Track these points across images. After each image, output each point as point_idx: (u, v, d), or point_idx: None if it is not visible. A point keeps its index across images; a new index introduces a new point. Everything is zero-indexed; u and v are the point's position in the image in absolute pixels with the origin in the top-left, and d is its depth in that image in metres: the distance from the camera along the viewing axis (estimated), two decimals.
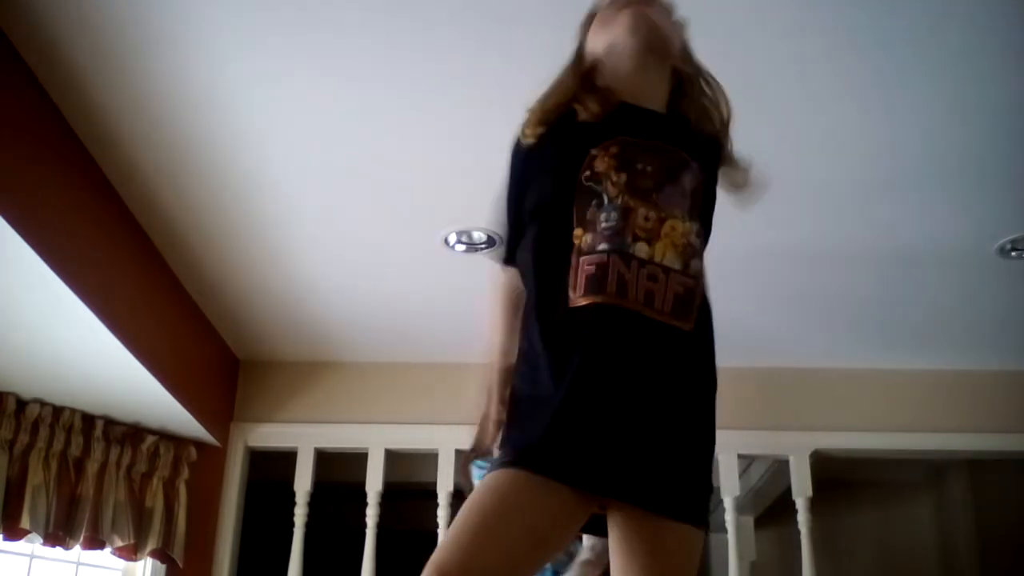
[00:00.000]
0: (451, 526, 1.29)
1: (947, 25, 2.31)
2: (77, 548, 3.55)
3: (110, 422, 3.71)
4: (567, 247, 1.40)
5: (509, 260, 1.58)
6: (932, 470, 5.08)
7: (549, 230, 1.44)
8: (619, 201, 1.39)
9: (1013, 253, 3.26)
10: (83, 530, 3.52)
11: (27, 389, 3.41)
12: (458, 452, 3.82)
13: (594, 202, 1.40)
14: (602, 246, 1.37)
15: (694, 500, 1.36)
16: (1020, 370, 4.15)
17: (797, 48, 2.39)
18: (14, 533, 3.33)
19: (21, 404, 3.41)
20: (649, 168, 1.42)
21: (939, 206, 3.05)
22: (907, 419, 4.14)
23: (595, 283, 1.35)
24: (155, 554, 3.78)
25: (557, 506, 1.30)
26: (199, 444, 4.02)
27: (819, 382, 4.17)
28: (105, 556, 3.71)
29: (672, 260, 1.37)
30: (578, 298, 1.36)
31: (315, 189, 3.04)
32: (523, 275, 1.51)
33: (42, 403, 3.47)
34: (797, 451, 4.10)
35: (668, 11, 1.62)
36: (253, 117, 2.70)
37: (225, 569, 4.05)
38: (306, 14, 2.32)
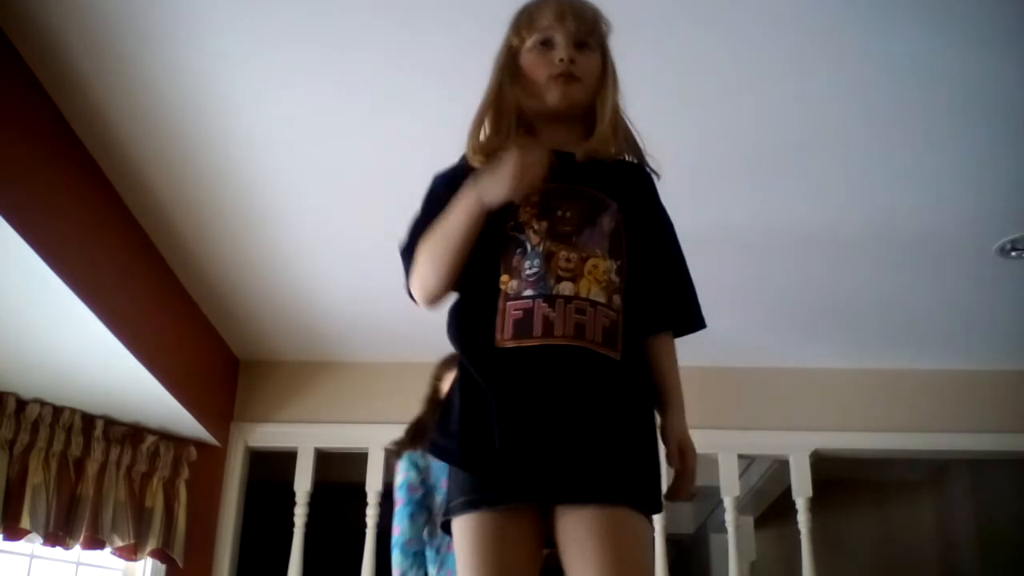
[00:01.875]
0: None
1: (948, 23, 2.31)
2: (77, 548, 3.55)
3: (110, 422, 3.71)
4: (494, 292, 1.46)
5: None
6: (932, 470, 5.08)
7: (475, 276, 1.49)
8: (541, 248, 1.46)
9: (1013, 253, 3.26)
10: (83, 530, 3.52)
11: (27, 389, 3.42)
12: None
13: (518, 250, 1.47)
14: (527, 292, 1.44)
15: (623, 486, 1.39)
16: (1020, 370, 4.15)
17: (793, 40, 2.39)
18: (14, 533, 3.33)
19: (21, 404, 3.41)
20: (568, 213, 1.48)
21: (939, 206, 3.05)
22: (907, 419, 4.14)
23: (522, 327, 1.42)
24: (155, 554, 3.78)
25: (506, 530, 1.40)
26: (199, 444, 4.02)
27: (819, 382, 4.17)
28: (105, 556, 3.71)
29: (597, 294, 1.44)
30: (506, 340, 1.43)
31: (315, 189, 3.05)
32: (448, 317, 1.55)
33: (42, 403, 3.47)
34: (797, 451, 4.10)
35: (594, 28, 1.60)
36: (253, 117, 2.70)
37: (225, 569, 4.05)
38: (307, 16, 2.32)
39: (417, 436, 2.66)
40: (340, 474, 4.29)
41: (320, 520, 4.33)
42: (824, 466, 4.17)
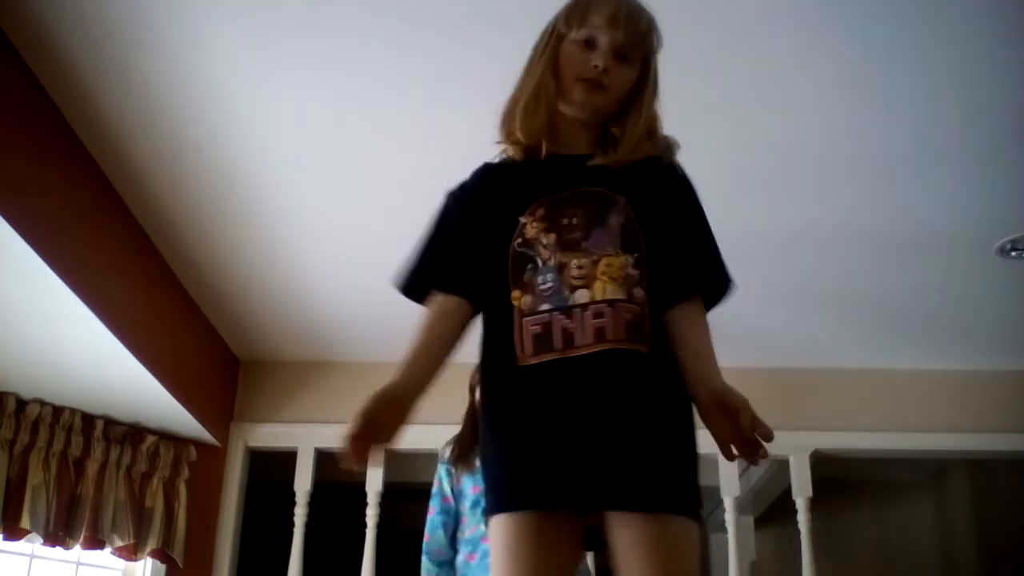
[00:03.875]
0: None
1: (950, 22, 2.31)
2: (77, 548, 3.55)
3: (110, 422, 3.71)
4: (508, 308, 1.45)
5: (444, 286, 1.54)
6: (932, 470, 5.08)
7: (489, 298, 1.49)
8: (552, 261, 1.45)
9: (1013, 253, 3.26)
10: (83, 530, 3.52)
11: (27, 389, 3.42)
12: None
13: (529, 266, 1.46)
14: (544, 306, 1.43)
15: (668, 492, 1.37)
16: (1020, 370, 4.15)
17: (797, 39, 2.39)
18: (14, 533, 3.33)
19: (21, 404, 3.41)
20: (575, 219, 1.47)
21: (939, 206, 3.05)
22: (907, 419, 4.14)
23: (542, 342, 1.41)
24: (155, 554, 3.78)
25: (541, 534, 1.38)
26: (199, 444, 4.03)
27: (819, 382, 4.17)
28: (105, 556, 3.71)
29: (615, 292, 1.41)
30: (527, 357, 1.41)
31: (315, 189, 3.05)
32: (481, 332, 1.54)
33: (42, 403, 3.47)
34: (797, 451, 4.10)
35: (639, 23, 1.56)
36: (253, 117, 2.70)
37: (225, 569, 4.05)
38: (307, 15, 2.32)
39: (462, 455, 2.66)
40: (340, 474, 4.28)
41: (320, 520, 4.33)
42: (824, 466, 4.17)
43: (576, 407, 1.38)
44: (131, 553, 3.70)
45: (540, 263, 1.45)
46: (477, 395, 2.59)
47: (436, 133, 2.77)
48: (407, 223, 3.31)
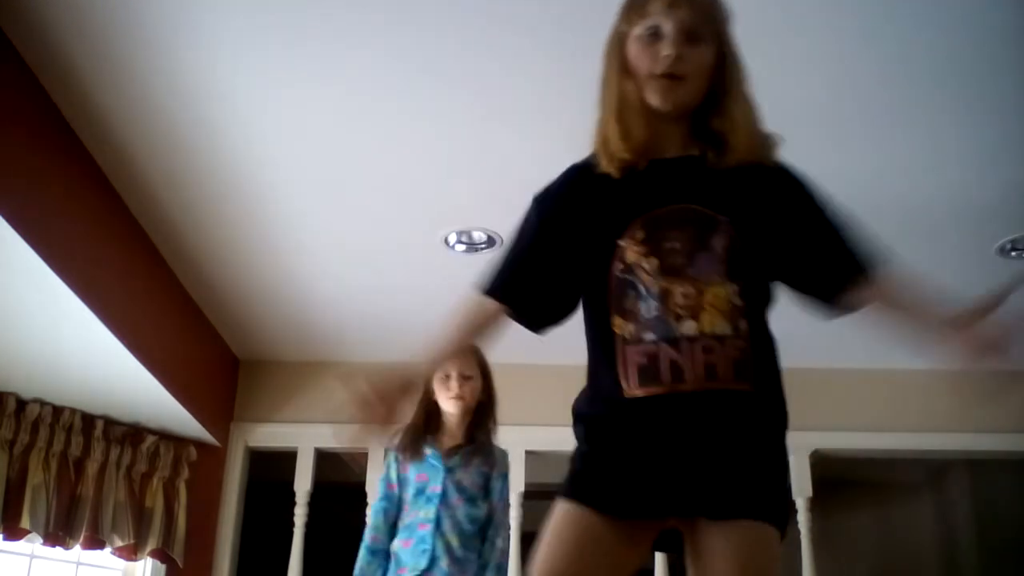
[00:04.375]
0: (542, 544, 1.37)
1: (951, 24, 2.31)
2: (77, 548, 3.55)
3: (110, 422, 3.71)
4: (609, 335, 1.40)
5: (493, 292, 1.51)
6: (932, 470, 5.08)
7: (591, 326, 1.45)
8: (655, 288, 1.38)
9: (1013, 253, 3.26)
10: (83, 530, 3.52)
11: (27, 389, 3.42)
12: None
13: (631, 293, 1.39)
14: (648, 336, 1.37)
15: (754, 499, 1.37)
16: (1020, 370, 4.13)
17: (793, 50, 2.39)
18: (14, 533, 3.33)
19: (21, 404, 3.41)
20: (678, 244, 1.39)
21: (939, 206, 3.05)
22: (907, 419, 4.14)
23: (649, 374, 1.36)
24: (155, 554, 3.78)
25: (605, 531, 1.37)
26: (199, 444, 4.03)
27: (819, 382, 4.17)
28: (105, 556, 3.71)
29: (723, 327, 1.36)
30: (633, 389, 1.37)
31: (315, 189, 3.04)
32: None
33: (42, 403, 3.47)
34: (797, 451, 4.10)
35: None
36: (254, 118, 2.70)
37: (225, 569, 4.05)
38: (307, 17, 2.32)
39: (409, 444, 2.68)
40: (340, 474, 4.29)
41: (320, 520, 4.33)
42: (824, 466, 4.17)
43: (680, 440, 1.35)
44: (131, 553, 3.70)
45: (643, 290, 1.38)
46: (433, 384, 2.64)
47: (439, 136, 2.77)
48: (408, 224, 3.33)
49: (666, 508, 1.37)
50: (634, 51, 1.43)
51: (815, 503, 4.09)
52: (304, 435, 4.20)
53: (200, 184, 3.00)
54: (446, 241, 3.30)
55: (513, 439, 4.06)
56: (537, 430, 3.45)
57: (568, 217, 1.48)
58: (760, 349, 1.42)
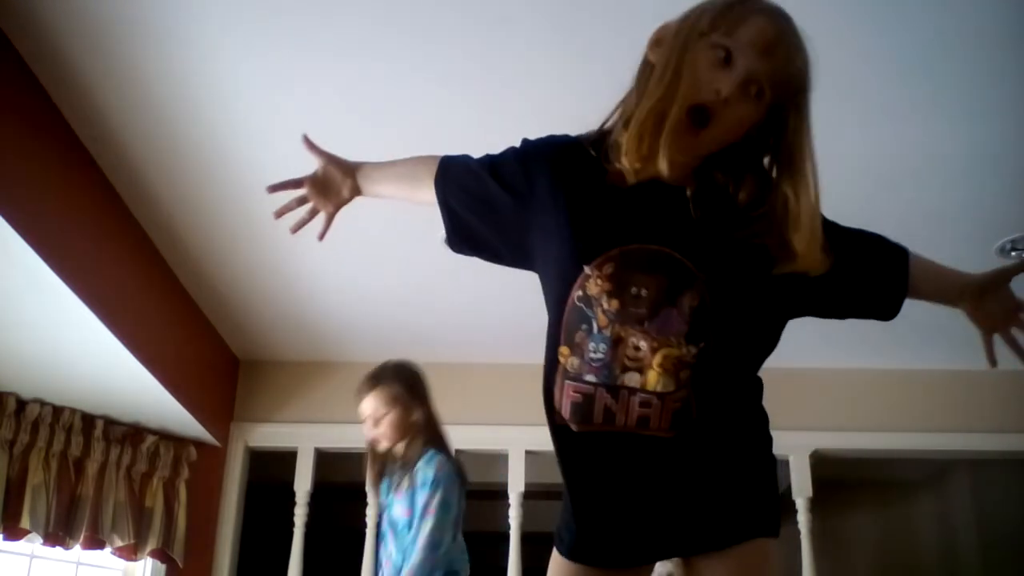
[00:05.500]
0: None
1: (951, 26, 2.31)
2: (77, 548, 3.55)
3: (110, 422, 3.71)
4: (554, 358, 1.36)
5: (444, 200, 1.60)
6: (933, 470, 5.08)
7: (547, 340, 1.40)
8: (608, 332, 1.29)
9: (1013, 253, 3.26)
10: (83, 530, 3.52)
11: (27, 389, 3.42)
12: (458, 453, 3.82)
13: (583, 327, 1.31)
14: (589, 377, 1.31)
15: (733, 523, 1.34)
16: (1020, 370, 4.13)
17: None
18: (14, 533, 3.33)
19: (21, 404, 3.41)
20: (644, 291, 1.28)
21: (939, 206, 3.05)
22: (907, 419, 4.14)
23: (581, 412, 1.32)
24: (155, 554, 3.78)
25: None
26: (199, 444, 4.03)
27: (819, 382, 4.17)
28: (105, 556, 3.71)
29: (666, 385, 1.28)
30: (563, 419, 1.36)
31: None
32: None
33: (42, 403, 3.47)
34: (797, 451, 4.10)
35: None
36: (254, 118, 2.70)
37: (225, 569, 4.05)
38: (309, 17, 2.32)
39: (374, 478, 2.73)
40: (340, 474, 4.29)
41: (320, 520, 4.33)
42: (824, 466, 4.17)
43: (626, 479, 1.35)
44: (131, 553, 3.70)
45: (596, 328, 1.30)
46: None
47: (439, 135, 2.77)
48: (409, 224, 3.33)
49: (653, 555, 1.40)
50: (695, 57, 1.26)
51: (815, 503, 4.09)
52: (304, 435, 4.20)
53: (201, 184, 3.00)
54: (447, 241, 3.30)
55: (513, 439, 4.11)
56: (537, 430, 3.41)
57: (531, 193, 1.40)
58: (704, 386, 1.31)
